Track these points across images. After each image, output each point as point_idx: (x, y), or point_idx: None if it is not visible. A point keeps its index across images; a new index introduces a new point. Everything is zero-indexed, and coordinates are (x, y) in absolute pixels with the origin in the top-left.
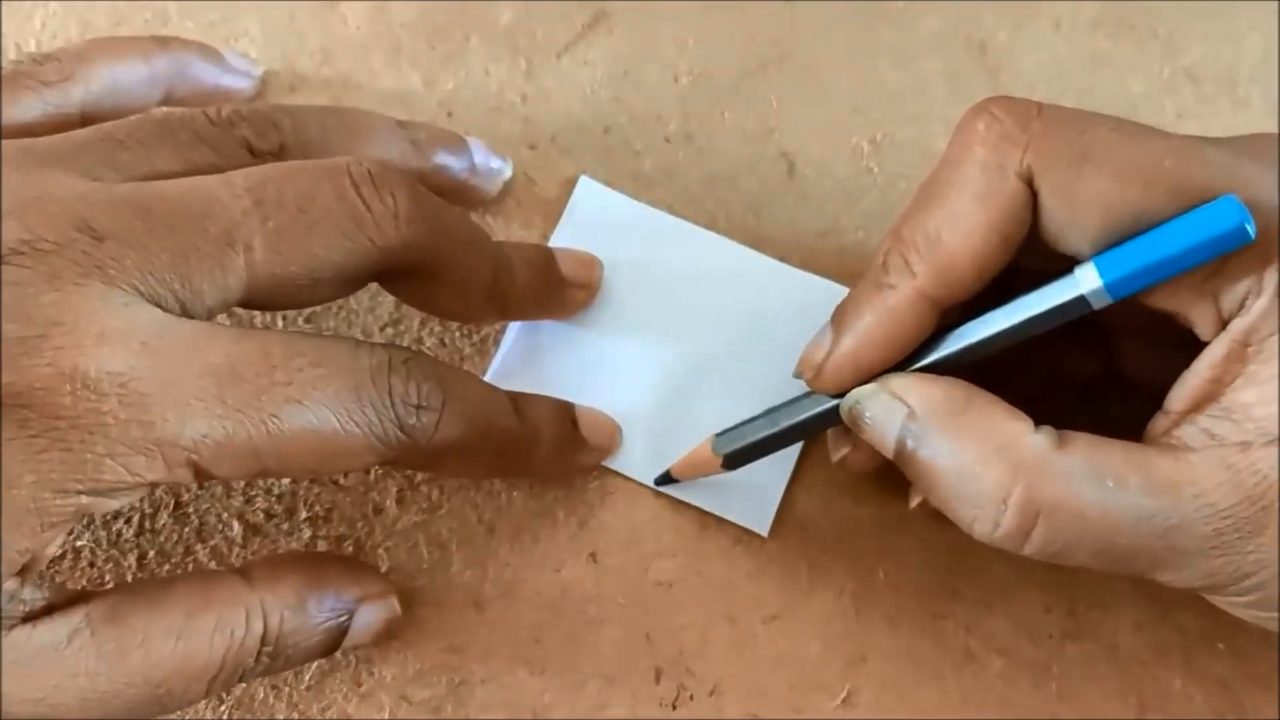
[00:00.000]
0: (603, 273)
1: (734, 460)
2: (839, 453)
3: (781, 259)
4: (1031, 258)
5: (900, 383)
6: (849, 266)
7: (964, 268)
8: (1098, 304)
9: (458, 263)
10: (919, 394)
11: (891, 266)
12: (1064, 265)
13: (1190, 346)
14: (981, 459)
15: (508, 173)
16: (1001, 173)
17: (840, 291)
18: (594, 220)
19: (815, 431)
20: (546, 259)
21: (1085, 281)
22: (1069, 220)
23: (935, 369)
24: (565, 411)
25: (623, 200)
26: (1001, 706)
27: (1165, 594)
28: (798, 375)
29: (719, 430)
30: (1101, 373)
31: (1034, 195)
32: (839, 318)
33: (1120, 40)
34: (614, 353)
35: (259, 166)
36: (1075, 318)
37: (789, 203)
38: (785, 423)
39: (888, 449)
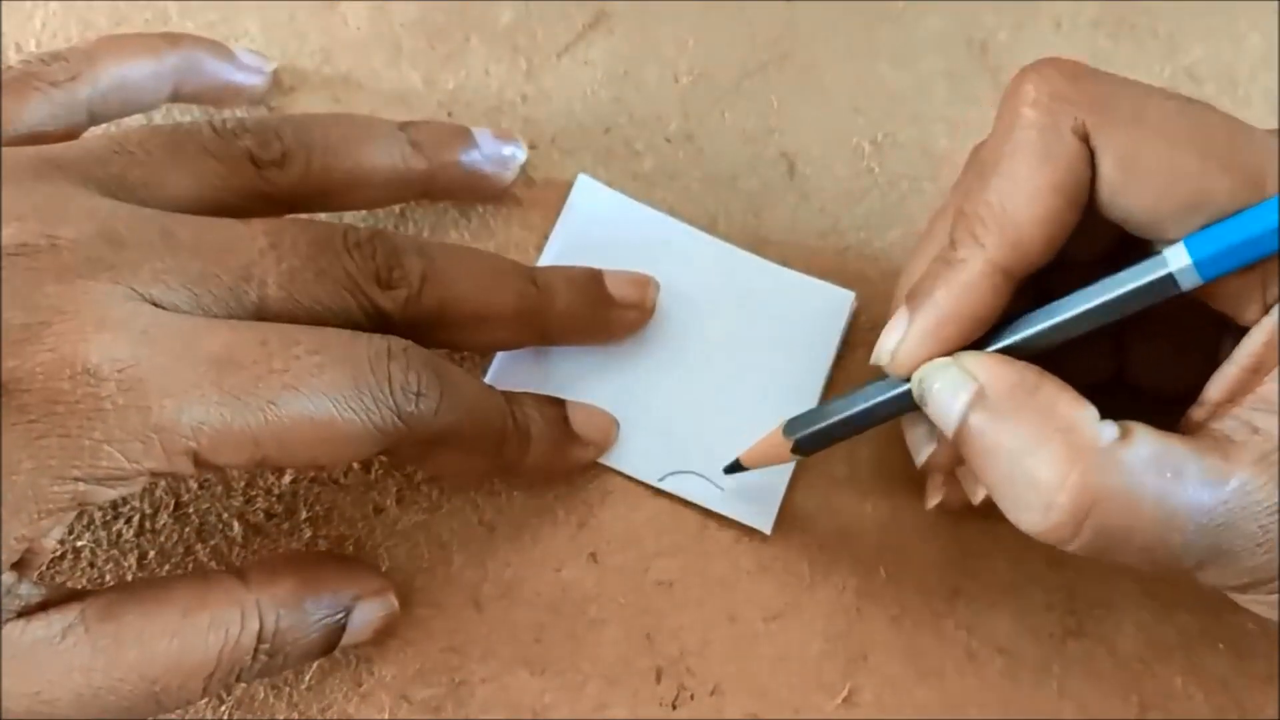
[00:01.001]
0: (658, 292)
1: (805, 446)
2: (923, 454)
3: (782, 259)
4: (1080, 240)
5: (973, 360)
6: (850, 266)
7: (1032, 234)
8: (1186, 284)
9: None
10: (990, 372)
11: (959, 242)
12: (1097, 248)
13: (1204, 350)
14: (1042, 441)
15: (521, 156)
16: (1057, 131)
17: (834, 293)
18: (592, 219)
19: (889, 416)
20: (589, 280)
21: (1174, 260)
22: (1125, 184)
23: (1012, 352)
24: (557, 407)
25: (620, 199)
26: (1002, 705)
27: (1166, 593)
28: (875, 363)
29: (790, 415)
30: (1111, 376)
31: (1091, 154)
32: (912, 299)
33: (1121, 40)
34: (612, 352)
35: (275, 219)
36: (1159, 300)
37: (789, 203)
38: (859, 406)
39: (949, 425)
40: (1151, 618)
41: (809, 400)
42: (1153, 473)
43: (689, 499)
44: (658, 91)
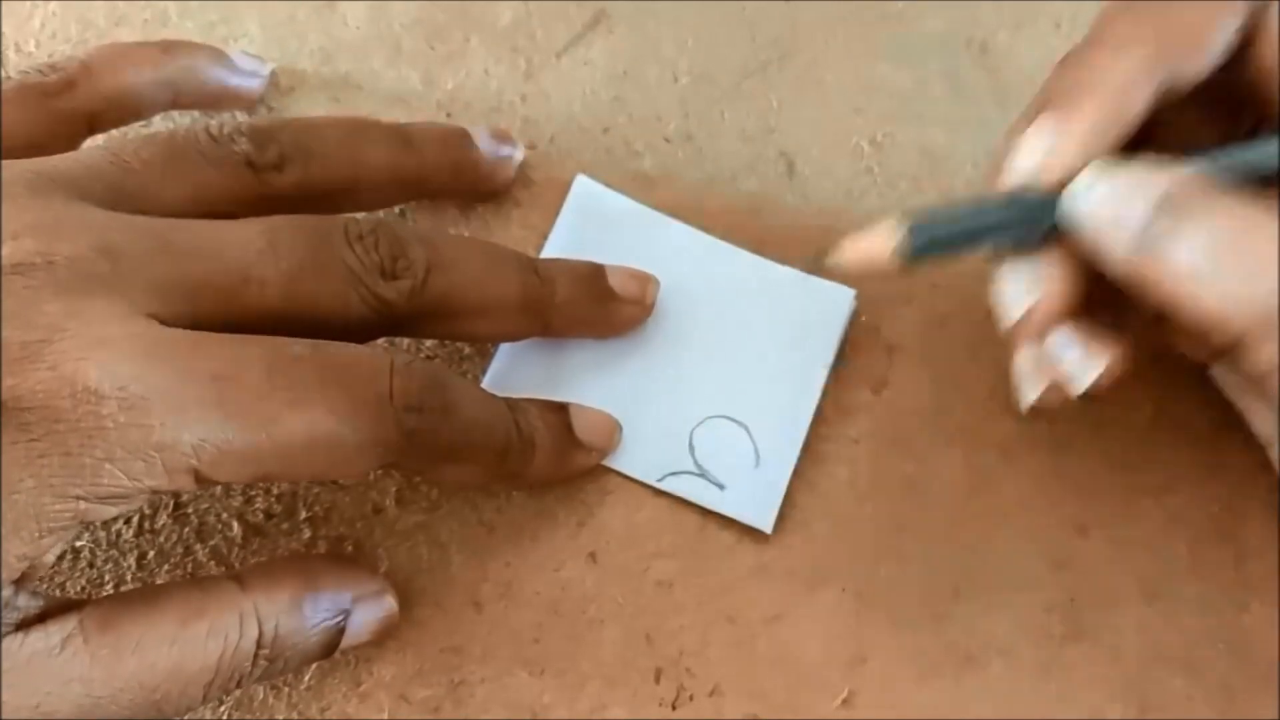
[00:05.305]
0: (658, 290)
1: (916, 243)
2: (1033, 393)
3: (782, 259)
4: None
5: (1144, 165)
6: None
7: (1201, 30)
8: None
9: (483, 291)
10: (1170, 174)
11: (1118, 39)
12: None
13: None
14: (1252, 227)
15: (518, 156)
16: None
17: (835, 291)
18: (591, 219)
19: (1019, 236)
20: (591, 273)
21: None
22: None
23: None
24: (560, 415)
25: (619, 199)
26: (1002, 707)
27: (1167, 594)
28: (1011, 185)
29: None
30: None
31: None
32: (1055, 102)
33: None
34: (612, 351)
35: (272, 218)
36: None
37: (789, 203)
38: (989, 217)
39: (1122, 241)
40: (1151, 619)
41: (809, 399)
42: None
43: (689, 499)
44: (657, 91)
